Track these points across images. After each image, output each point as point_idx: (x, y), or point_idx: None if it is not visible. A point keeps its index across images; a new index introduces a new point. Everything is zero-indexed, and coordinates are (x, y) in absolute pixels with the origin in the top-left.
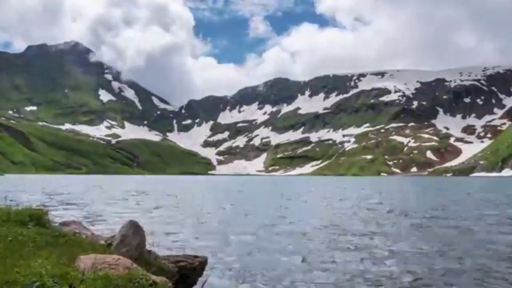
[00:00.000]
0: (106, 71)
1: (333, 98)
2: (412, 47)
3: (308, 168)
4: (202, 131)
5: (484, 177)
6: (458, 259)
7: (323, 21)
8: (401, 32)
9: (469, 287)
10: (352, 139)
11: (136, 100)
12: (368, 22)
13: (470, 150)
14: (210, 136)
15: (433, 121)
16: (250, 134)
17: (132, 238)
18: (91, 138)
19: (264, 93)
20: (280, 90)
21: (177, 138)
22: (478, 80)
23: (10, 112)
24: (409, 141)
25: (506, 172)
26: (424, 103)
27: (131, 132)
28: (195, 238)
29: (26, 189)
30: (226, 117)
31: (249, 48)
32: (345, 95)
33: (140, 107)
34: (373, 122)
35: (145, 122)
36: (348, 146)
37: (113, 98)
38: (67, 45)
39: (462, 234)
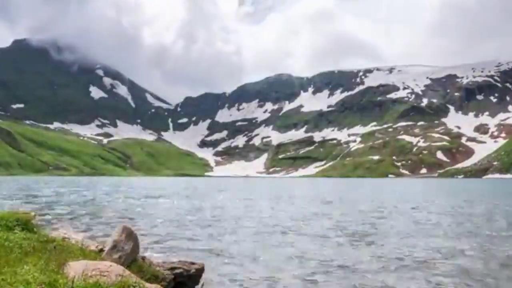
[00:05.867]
0: (97, 66)
1: (338, 95)
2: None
3: (311, 169)
4: (199, 130)
5: (498, 179)
6: None
7: None
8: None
9: None
10: (358, 139)
11: (129, 97)
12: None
13: (483, 150)
14: (207, 136)
15: (443, 119)
16: (250, 134)
17: (124, 244)
18: (81, 138)
19: (264, 90)
20: (281, 87)
21: (172, 137)
22: (492, 76)
23: None
24: (418, 141)
25: None
26: (434, 100)
27: (123, 131)
28: None
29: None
30: (225, 115)
31: None
32: (350, 92)
33: (133, 105)
34: (380, 121)
35: (139, 121)
36: (353, 146)
37: (104, 95)
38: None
39: None
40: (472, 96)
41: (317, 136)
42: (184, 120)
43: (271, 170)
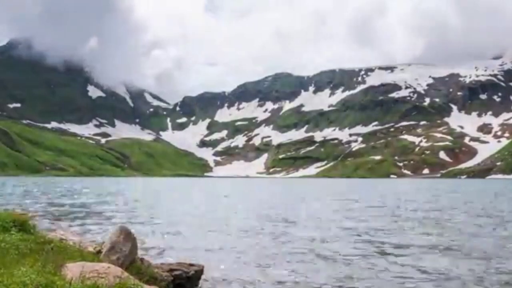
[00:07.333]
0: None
1: (339, 95)
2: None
3: (312, 169)
4: (198, 130)
5: (502, 179)
6: None
7: None
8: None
9: None
10: (359, 139)
11: (127, 97)
12: None
13: (487, 150)
14: (206, 135)
15: (446, 119)
16: (250, 133)
17: (122, 245)
18: (79, 138)
19: (265, 89)
20: (282, 86)
21: (171, 137)
22: (495, 75)
23: None
24: (420, 141)
25: None
26: (436, 100)
27: (122, 131)
28: None
29: None
30: (224, 114)
31: None
32: (352, 91)
33: (131, 104)
34: (382, 120)
35: (137, 120)
36: (355, 146)
37: (102, 94)
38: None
39: None
40: (475, 95)
41: (318, 136)
42: (183, 119)
43: (271, 170)
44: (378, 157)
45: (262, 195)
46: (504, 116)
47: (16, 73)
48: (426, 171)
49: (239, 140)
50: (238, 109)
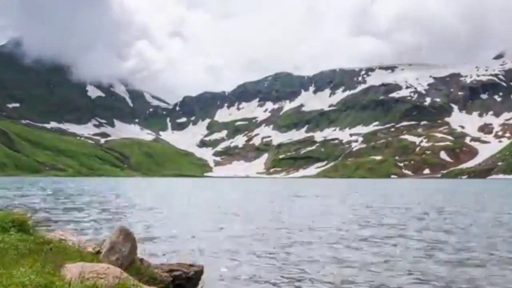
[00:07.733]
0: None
1: (340, 94)
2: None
3: (313, 169)
4: (198, 130)
5: (503, 179)
6: None
7: None
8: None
9: None
10: (360, 139)
11: (126, 96)
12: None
13: (487, 150)
14: (206, 135)
15: (447, 119)
16: (250, 133)
17: (122, 245)
18: (78, 138)
19: (265, 89)
20: (282, 86)
21: (171, 137)
22: (496, 75)
23: None
24: (421, 141)
25: None
26: (437, 99)
27: (121, 131)
28: None
29: None
30: (224, 114)
31: None
32: (352, 91)
33: (131, 104)
34: (383, 120)
35: (137, 120)
36: (355, 146)
37: (102, 94)
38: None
39: None
40: (476, 95)
41: (318, 136)
42: (183, 119)
43: (271, 170)
44: (378, 157)
45: (263, 196)
46: (505, 116)
47: (15, 73)
48: (426, 171)
49: (239, 140)
50: (238, 109)
